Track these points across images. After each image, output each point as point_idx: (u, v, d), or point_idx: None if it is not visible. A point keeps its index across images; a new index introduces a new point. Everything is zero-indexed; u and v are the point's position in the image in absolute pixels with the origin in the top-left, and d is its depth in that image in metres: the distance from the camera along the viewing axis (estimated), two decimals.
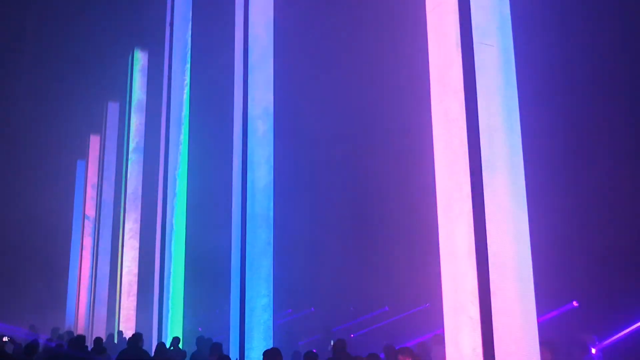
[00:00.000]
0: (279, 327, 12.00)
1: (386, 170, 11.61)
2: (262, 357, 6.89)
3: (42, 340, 11.96)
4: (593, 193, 7.53)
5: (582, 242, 7.56)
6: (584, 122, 7.54)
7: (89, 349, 10.57)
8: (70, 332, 17.82)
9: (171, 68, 16.38)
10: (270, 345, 10.19)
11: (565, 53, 7.58)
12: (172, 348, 11.14)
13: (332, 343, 8.48)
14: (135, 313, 19.32)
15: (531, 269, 6.17)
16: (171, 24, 16.69)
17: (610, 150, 7.38)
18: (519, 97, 6.21)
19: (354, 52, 12.37)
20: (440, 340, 9.38)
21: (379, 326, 11.87)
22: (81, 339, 10.69)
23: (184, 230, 15.67)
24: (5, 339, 9.27)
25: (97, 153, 26.54)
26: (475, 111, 5.95)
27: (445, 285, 6.37)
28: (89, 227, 26.83)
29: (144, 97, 20.44)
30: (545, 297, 6.60)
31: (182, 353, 11.09)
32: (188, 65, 16.18)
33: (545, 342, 9.62)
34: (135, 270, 19.68)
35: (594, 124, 7.50)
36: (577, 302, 8.08)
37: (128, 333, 16.00)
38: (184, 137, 15.94)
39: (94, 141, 27.09)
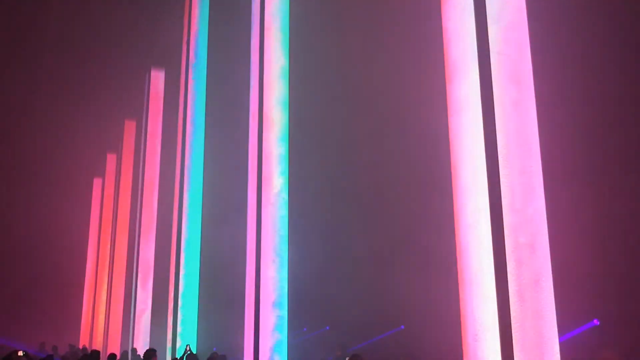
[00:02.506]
0: (294, 346, 11.86)
1: (407, 185, 11.54)
2: None
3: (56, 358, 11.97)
4: (617, 205, 7.39)
5: (604, 256, 7.41)
6: (610, 130, 7.43)
7: None
8: (76, 351, 17.82)
9: (187, 86, 16.49)
10: None
11: (584, 56, 7.50)
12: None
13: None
14: (149, 331, 19.27)
15: (551, 285, 6.05)
16: (188, 42, 16.84)
17: (634, 154, 7.25)
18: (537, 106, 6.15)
19: (371, 54, 12.39)
20: None
21: (394, 345, 11.71)
22: (95, 354, 10.73)
23: (199, 248, 15.65)
24: (20, 353, 9.28)
25: (114, 171, 26.72)
26: (493, 119, 5.88)
27: (463, 302, 6.26)
28: (105, 244, 26.95)
29: (161, 114, 20.58)
30: (566, 314, 6.46)
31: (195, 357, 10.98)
32: (204, 83, 16.28)
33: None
34: (150, 289, 19.66)
35: (620, 130, 7.38)
36: (598, 320, 7.89)
37: (142, 351, 15.92)
38: (200, 154, 15.99)
39: (111, 159, 27.30)
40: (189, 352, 11.42)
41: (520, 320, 5.81)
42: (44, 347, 18.30)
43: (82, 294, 29.19)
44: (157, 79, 20.86)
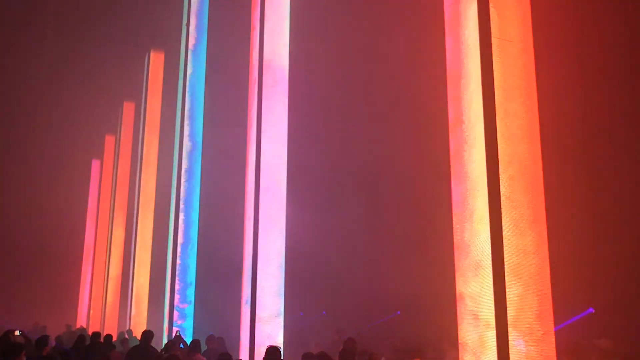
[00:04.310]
0: (290, 330, 11.91)
1: (403, 173, 11.53)
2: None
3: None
4: (612, 196, 7.38)
5: (600, 246, 7.42)
6: (607, 122, 7.41)
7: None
8: (73, 331, 17.89)
9: (187, 68, 16.40)
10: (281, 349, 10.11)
11: (585, 49, 7.46)
12: (182, 346, 11.08)
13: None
14: (146, 313, 19.34)
15: (548, 273, 6.05)
16: (187, 25, 16.73)
17: (634, 151, 7.24)
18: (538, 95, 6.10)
19: (372, 40, 12.34)
20: None
21: (391, 330, 11.76)
22: (96, 335, 10.79)
23: (197, 230, 15.65)
24: (16, 332, 9.32)
25: (112, 153, 26.68)
26: (493, 107, 5.84)
27: (460, 286, 6.26)
28: (103, 226, 26.97)
29: (160, 96, 20.50)
30: (562, 302, 6.47)
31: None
32: (204, 65, 16.19)
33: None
34: (148, 271, 19.71)
35: (617, 122, 7.36)
36: (593, 309, 7.93)
37: (139, 333, 15.98)
38: (199, 136, 15.94)
39: (109, 141, 27.25)
40: (178, 335, 11.46)
41: (517, 309, 5.81)
42: (39, 327, 18.41)
43: (80, 275, 29.25)
44: (157, 60, 20.75)
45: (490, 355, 5.78)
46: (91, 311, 26.61)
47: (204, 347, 10.66)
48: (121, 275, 23.39)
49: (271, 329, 10.36)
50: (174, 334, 11.68)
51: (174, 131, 17.12)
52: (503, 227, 5.86)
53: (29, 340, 9.80)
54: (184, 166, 15.82)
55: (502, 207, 5.85)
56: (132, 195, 22.76)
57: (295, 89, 11.56)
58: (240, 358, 10.21)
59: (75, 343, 10.39)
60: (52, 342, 11.86)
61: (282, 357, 6.68)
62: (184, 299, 15.16)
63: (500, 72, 5.97)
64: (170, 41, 19.31)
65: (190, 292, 15.30)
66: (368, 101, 12.51)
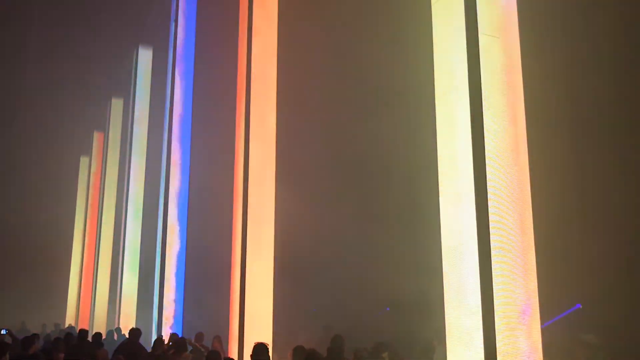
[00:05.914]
0: (279, 327, 11.89)
1: (394, 169, 11.54)
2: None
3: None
4: (599, 192, 7.42)
5: (587, 241, 7.47)
6: (593, 118, 7.44)
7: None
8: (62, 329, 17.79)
9: (175, 64, 16.33)
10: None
11: (574, 46, 7.49)
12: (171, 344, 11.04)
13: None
14: (135, 311, 19.27)
15: (535, 268, 6.07)
16: (176, 21, 16.66)
17: (619, 147, 7.27)
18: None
19: (360, 35, 12.34)
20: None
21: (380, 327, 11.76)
22: (84, 333, 10.70)
23: (186, 228, 15.59)
24: (3, 331, 9.24)
25: (101, 149, 26.55)
26: (480, 103, 5.84)
27: (447, 281, 6.28)
28: (92, 223, 26.83)
29: (148, 93, 20.41)
30: (548, 297, 6.50)
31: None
32: (192, 61, 16.13)
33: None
34: (137, 268, 19.64)
35: (604, 119, 7.39)
36: (580, 304, 7.97)
37: (127, 331, 15.91)
38: (187, 133, 15.88)
39: (98, 137, 27.12)
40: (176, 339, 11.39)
41: (503, 304, 5.83)
42: (25, 326, 18.31)
43: (69, 273, 29.09)
44: (145, 57, 20.65)
45: (477, 347, 5.80)
46: (80, 309, 26.50)
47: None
48: (110, 273, 23.29)
49: (260, 326, 10.35)
50: (170, 336, 11.60)
51: (162, 127, 17.05)
52: (490, 225, 5.87)
53: (16, 339, 9.70)
54: (173, 163, 15.76)
55: (488, 204, 5.85)
56: (120, 192, 22.66)
57: (284, 84, 11.53)
58: (229, 356, 10.19)
59: (54, 340, 10.07)
60: (41, 342, 11.78)
61: (270, 354, 6.66)
62: (172, 298, 15.11)
63: (487, 69, 5.97)
64: (158, 38, 19.23)
65: (180, 288, 15.25)
66: (357, 95, 12.50)
